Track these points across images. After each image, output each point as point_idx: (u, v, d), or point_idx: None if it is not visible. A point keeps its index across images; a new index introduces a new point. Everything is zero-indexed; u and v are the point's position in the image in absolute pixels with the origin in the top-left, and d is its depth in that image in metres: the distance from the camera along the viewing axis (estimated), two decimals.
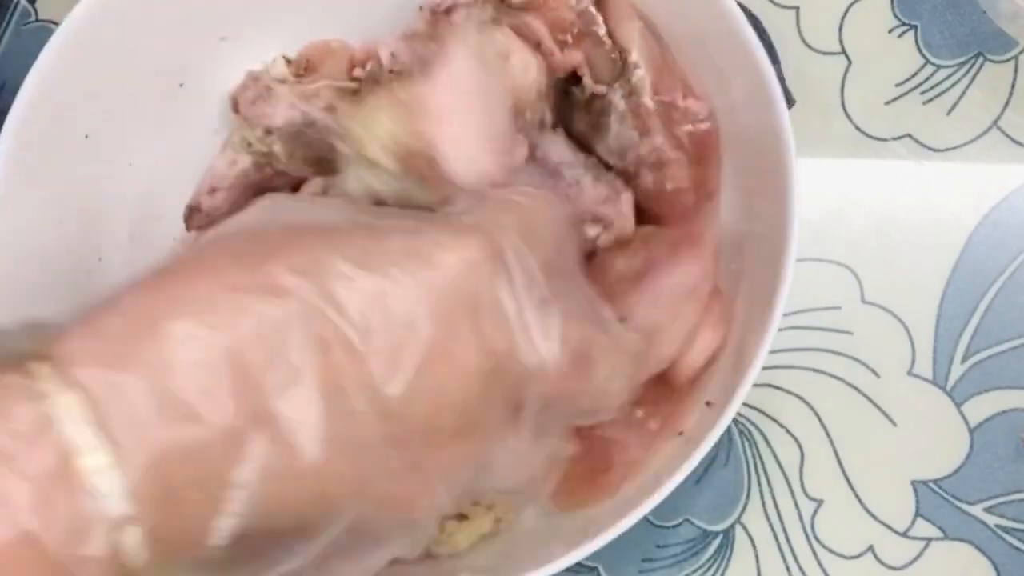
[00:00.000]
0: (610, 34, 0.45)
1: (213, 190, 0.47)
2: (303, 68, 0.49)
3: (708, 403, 0.42)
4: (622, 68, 0.45)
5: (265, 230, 0.34)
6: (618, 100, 0.45)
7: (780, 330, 0.49)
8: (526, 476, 0.37)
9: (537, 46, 0.46)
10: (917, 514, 0.47)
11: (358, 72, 0.47)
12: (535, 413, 0.35)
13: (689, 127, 0.45)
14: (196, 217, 0.48)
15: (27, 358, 0.29)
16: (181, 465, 0.28)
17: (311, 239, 0.32)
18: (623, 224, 0.44)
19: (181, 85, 0.49)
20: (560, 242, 0.37)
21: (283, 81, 0.49)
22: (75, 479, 0.27)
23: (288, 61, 0.50)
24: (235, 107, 0.47)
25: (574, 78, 0.46)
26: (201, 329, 0.29)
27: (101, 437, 0.28)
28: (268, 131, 0.46)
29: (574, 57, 0.45)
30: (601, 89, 0.45)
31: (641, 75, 0.44)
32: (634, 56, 0.45)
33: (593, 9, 0.45)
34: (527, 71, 0.43)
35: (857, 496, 0.47)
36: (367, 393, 0.30)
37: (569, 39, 0.45)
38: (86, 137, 0.47)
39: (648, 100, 0.44)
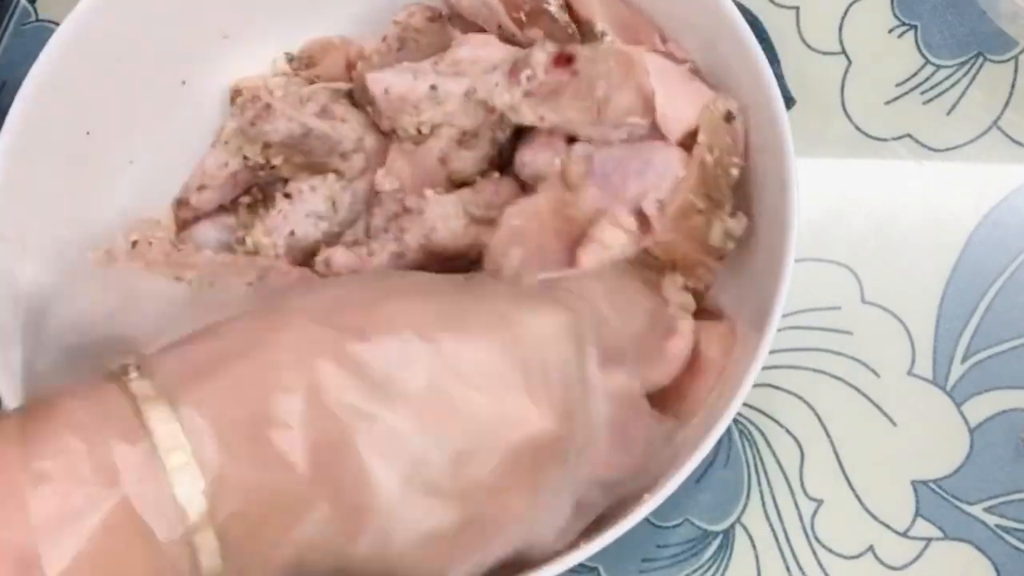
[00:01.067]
0: (569, 7, 0.45)
1: (202, 188, 0.47)
2: (305, 65, 0.50)
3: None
4: (586, 37, 0.45)
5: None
6: None
7: (780, 330, 0.49)
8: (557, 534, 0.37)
9: (498, 28, 0.46)
10: (917, 514, 0.47)
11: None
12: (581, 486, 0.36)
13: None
14: (183, 210, 0.48)
15: (125, 371, 0.31)
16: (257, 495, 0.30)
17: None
18: None
19: (183, 83, 0.49)
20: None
21: (285, 75, 0.49)
22: (162, 469, 0.29)
23: (290, 59, 0.50)
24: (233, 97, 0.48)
25: None
26: (301, 379, 0.31)
27: (184, 438, 0.30)
28: (267, 145, 0.46)
29: (533, 35, 0.45)
30: None
31: (610, 40, 0.44)
32: (599, 24, 0.45)
33: None
34: None
35: (857, 496, 0.47)
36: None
37: (523, 16, 0.45)
38: (87, 134, 0.47)
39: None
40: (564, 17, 0.45)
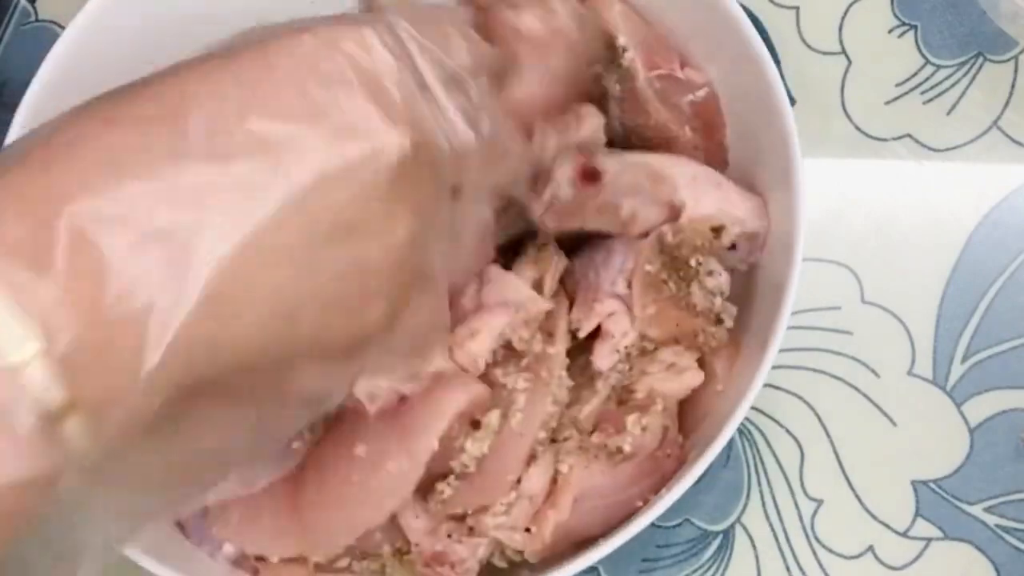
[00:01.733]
0: None
1: None
2: None
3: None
4: (611, 55, 0.45)
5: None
6: (612, 86, 0.45)
7: None
8: (464, 257, 0.36)
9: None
10: (917, 514, 0.47)
11: None
12: (472, 186, 0.34)
13: (690, 97, 0.45)
14: None
15: None
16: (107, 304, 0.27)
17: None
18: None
19: None
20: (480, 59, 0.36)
21: None
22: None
23: None
24: None
25: None
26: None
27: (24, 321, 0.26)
28: None
29: None
30: (597, 68, 0.45)
31: (631, 57, 0.44)
32: (621, 39, 0.44)
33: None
34: None
35: (857, 496, 0.47)
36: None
37: None
38: None
39: (642, 82, 0.44)
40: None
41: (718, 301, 0.42)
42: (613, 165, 0.41)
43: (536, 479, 0.40)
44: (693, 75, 0.45)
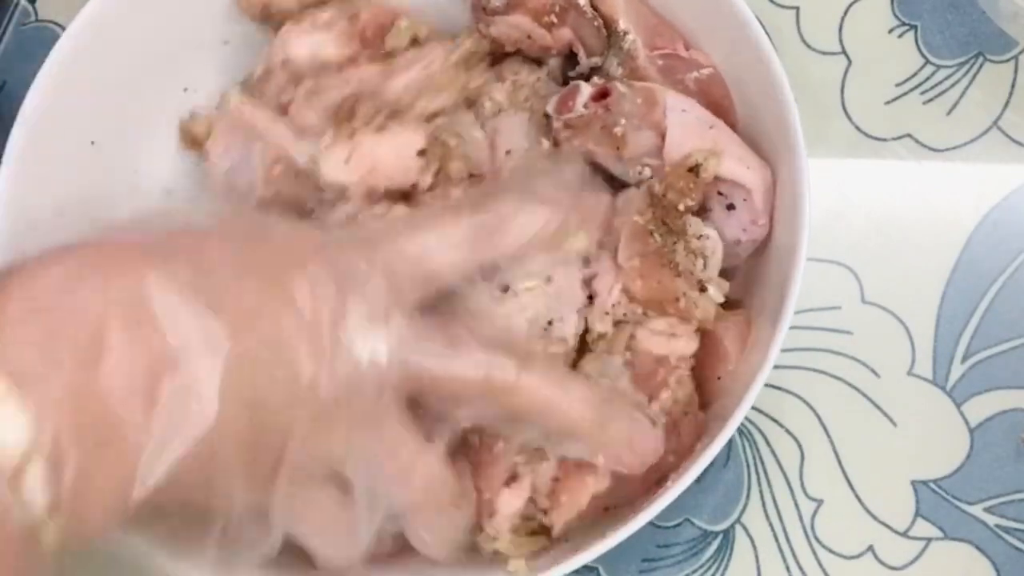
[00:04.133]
0: (594, 7, 0.45)
1: None
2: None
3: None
4: (610, 37, 0.45)
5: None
6: (614, 68, 0.45)
7: None
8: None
9: (527, 38, 0.46)
10: (917, 514, 0.47)
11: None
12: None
13: (695, 74, 0.45)
14: None
15: None
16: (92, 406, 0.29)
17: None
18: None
19: (185, 90, 0.49)
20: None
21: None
22: None
23: None
24: None
25: (569, 62, 0.46)
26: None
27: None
28: None
29: (564, 35, 0.45)
30: (596, 61, 0.46)
31: (632, 39, 0.44)
32: (622, 23, 0.45)
33: None
34: None
35: (857, 496, 0.47)
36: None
37: (554, 19, 0.45)
38: (92, 143, 0.47)
39: (643, 60, 0.44)
40: (590, 11, 0.45)
41: (701, 264, 0.42)
42: (621, 88, 0.43)
43: None
44: (697, 55, 0.45)
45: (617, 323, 0.41)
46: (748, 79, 0.44)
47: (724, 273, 0.43)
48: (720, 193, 0.43)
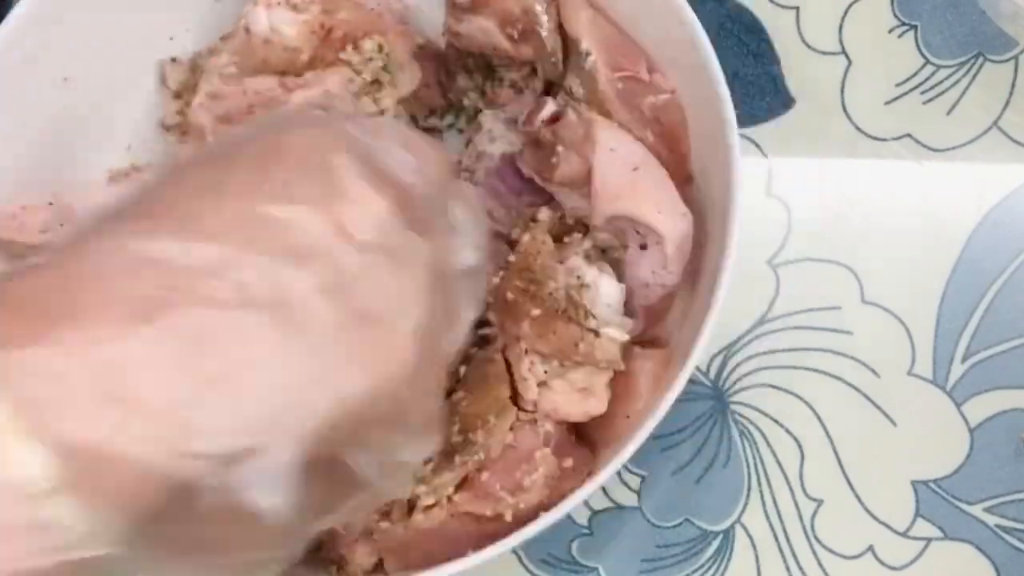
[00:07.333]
0: (560, 25, 0.46)
1: None
2: None
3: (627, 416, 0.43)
4: (572, 56, 0.45)
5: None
6: (577, 87, 0.45)
7: (780, 330, 0.49)
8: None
9: (493, 48, 0.46)
10: (917, 514, 0.47)
11: None
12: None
13: (651, 99, 0.45)
14: None
15: None
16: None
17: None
18: None
19: (171, 39, 0.50)
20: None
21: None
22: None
23: None
24: None
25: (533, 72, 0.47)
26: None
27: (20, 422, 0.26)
28: None
29: (526, 52, 0.46)
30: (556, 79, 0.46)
31: (593, 60, 0.44)
32: (584, 43, 0.45)
33: (538, 8, 0.45)
34: None
35: (857, 496, 0.47)
36: None
37: (516, 35, 0.45)
38: (64, 80, 0.47)
39: (604, 83, 0.44)
40: (552, 43, 0.45)
41: (582, 313, 0.41)
42: (571, 116, 0.44)
43: None
44: (659, 80, 0.45)
45: (541, 384, 0.42)
46: (696, 99, 0.44)
47: (656, 311, 0.43)
48: (637, 232, 0.43)
